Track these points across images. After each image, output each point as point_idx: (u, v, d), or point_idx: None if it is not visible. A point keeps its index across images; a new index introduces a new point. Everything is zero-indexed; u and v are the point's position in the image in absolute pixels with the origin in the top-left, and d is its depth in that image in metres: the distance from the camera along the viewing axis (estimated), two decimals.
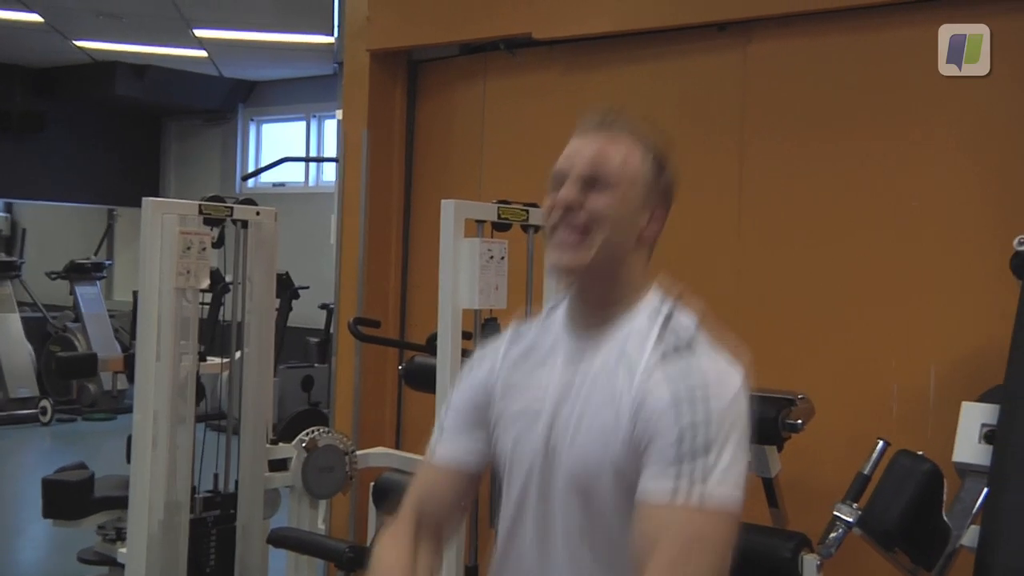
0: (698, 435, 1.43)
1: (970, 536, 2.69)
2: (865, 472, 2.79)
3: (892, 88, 3.40)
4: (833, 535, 2.76)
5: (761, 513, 3.22)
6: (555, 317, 1.69)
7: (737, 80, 3.73)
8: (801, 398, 3.13)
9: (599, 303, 1.61)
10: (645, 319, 1.58)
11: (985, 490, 2.68)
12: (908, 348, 3.34)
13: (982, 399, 2.82)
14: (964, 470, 2.77)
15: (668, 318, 1.57)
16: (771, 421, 3.02)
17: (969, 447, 2.75)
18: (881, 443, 2.81)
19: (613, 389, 1.53)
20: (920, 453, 2.77)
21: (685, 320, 1.57)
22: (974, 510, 2.70)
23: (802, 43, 3.59)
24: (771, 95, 3.68)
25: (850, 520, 2.73)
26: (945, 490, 2.74)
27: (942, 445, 2.84)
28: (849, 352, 3.46)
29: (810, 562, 2.87)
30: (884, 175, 3.43)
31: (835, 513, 2.76)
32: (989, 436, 2.72)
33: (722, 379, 1.49)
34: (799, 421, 3.05)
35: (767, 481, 3.18)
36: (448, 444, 1.74)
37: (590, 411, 1.54)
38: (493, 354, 1.74)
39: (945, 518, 2.72)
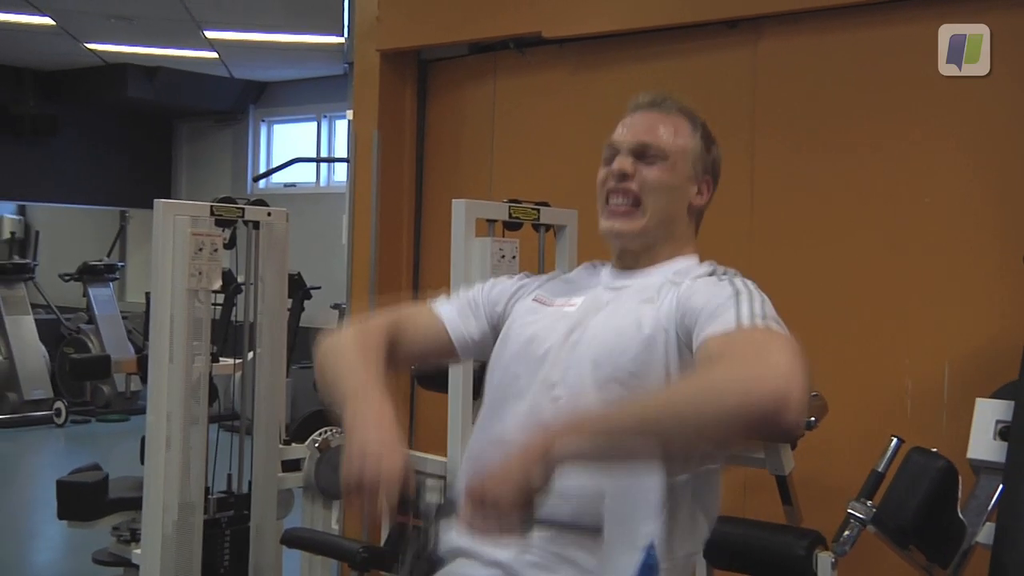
0: (753, 297, 1.50)
1: (985, 533, 2.68)
2: (879, 469, 2.78)
3: (905, 85, 3.38)
4: (847, 533, 2.75)
5: (775, 511, 3.21)
6: (600, 268, 1.77)
7: (747, 78, 3.72)
8: (814, 396, 3.12)
9: (647, 257, 1.70)
10: (690, 264, 1.69)
11: (1000, 487, 2.67)
12: (922, 345, 3.33)
13: (996, 395, 2.81)
14: (979, 467, 2.76)
15: (716, 268, 1.67)
16: None
17: (984, 444, 2.74)
18: (895, 440, 2.80)
19: (654, 294, 1.60)
20: (934, 450, 2.76)
21: (732, 270, 1.66)
22: (989, 507, 2.69)
23: (813, 40, 3.58)
24: (782, 93, 3.67)
25: (864, 518, 2.72)
26: (960, 487, 2.73)
27: (956, 442, 2.83)
28: (862, 349, 3.44)
29: (824, 560, 2.86)
30: (896, 173, 3.41)
31: (849, 511, 2.75)
32: (1004, 432, 2.71)
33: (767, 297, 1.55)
34: (812, 419, 3.04)
35: (781, 479, 3.17)
36: (451, 310, 1.80)
37: (623, 310, 1.60)
38: (532, 278, 1.82)
39: (960, 515, 2.71)
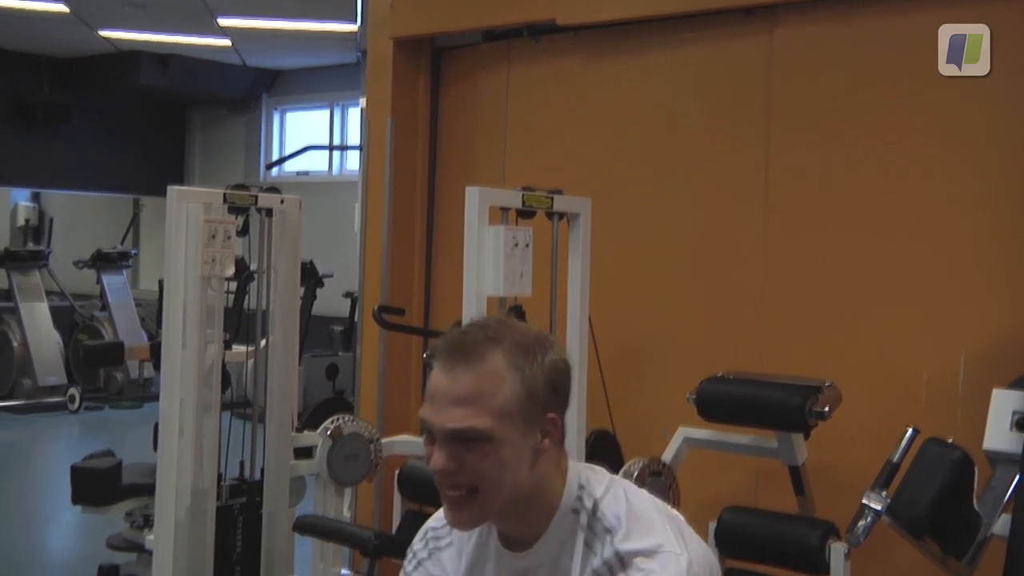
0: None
1: (1001, 525, 2.67)
2: (894, 460, 2.76)
3: (923, 74, 3.35)
4: (862, 523, 2.74)
5: (788, 501, 3.20)
6: (485, 548, 1.56)
7: (763, 66, 3.69)
8: (828, 385, 3.11)
9: (520, 527, 1.50)
10: (568, 531, 1.48)
11: (1016, 478, 2.66)
12: (937, 335, 3.31)
13: (1013, 386, 2.80)
14: (995, 458, 2.74)
15: (592, 522, 1.47)
16: (798, 409, 3.00)
17: (1000, 434, 2.73)
18: (910, 431, 2.79)
19: None
20: (950, 441, 2.75)
21: (611, 517, 1.46)
22: (1005, 498, 2.68)
23: (830, 28, 3.56)
24: (798, 81, 3.64)
25: (879, 508, 2.71)
26: (976, 478, 2.71)
27: (972, 432, 2.81)
28: (878, 339, 3.43)
29: (838, 550, 2.86)
30: (913, 163, 3.39)
31: (864, 501, 2.74)
32: (1020, 423, 2.69)
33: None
34: (826, 408, 3.03)
35: (794, 469, 3.16)
36: None
37: None
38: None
39: (976, 506, 2.70)
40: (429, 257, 4.68)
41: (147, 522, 4.36)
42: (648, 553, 1.41)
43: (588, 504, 1.47)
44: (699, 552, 1.44)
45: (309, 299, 7.81)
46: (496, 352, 1.43)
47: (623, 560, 1.42)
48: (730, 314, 3.69)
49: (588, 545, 1.46)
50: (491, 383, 1.42)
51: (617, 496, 1.47)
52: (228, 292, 3.90)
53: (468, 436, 1.41)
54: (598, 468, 1.55)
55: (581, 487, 1.49)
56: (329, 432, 3.80)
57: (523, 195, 3.35)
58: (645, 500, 1.49)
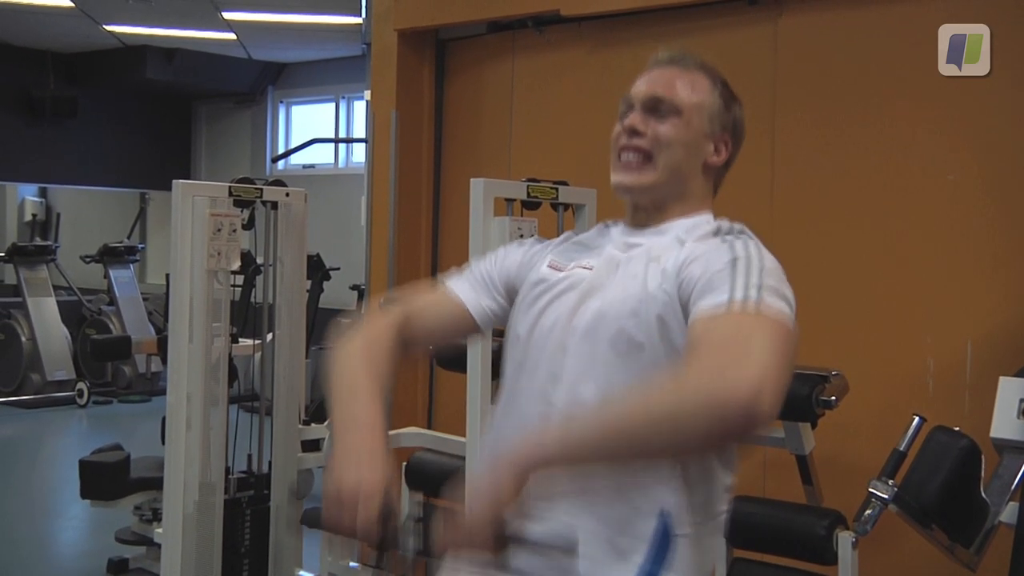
0: (751, 263, 1.45)
1: (1009, 513, 2.66)
2: (901, 448, 2.76)
3: (926, 62, 3.34)
4: (869, 512, 2.74)
5: (795, 490, 3.20)
6: (611, 228, 1.73)
7: (768, 55, 3.68)
8: (835, 374, 3.10)
9: (659, 214, 1.65)
10: (700, 221, 1.63)
11: None
12: (944, 323, 3.30)
13: (1020, 374, 2.79)
14: (1002, 446, 2.73)
15: (721, 226, 1.62)
16: (805, 398, 3.00)
17: (1007, 422, 2.72)
18: (917, 419, 2.78)
19: (661, 255, 1.56)
20: (957, 429, 2.74)
21: (738, 226, 1.61)
22: (1013, 486, 2.67)
23: (834, 17, 3.55)
24: (803, 70, 3.63)
25: (886, 497, 2.70)
26: (983, 466, 2.71)
27: (979, 421, 2.81)
28: (884, 327, 3.42)
29: (845, 539, 2.85)
30: (918, 150, 3.38)
31: (871, 490, 2.74)
32: None
33: (771, 256, 1.51)
34: (833, 398, 3.02)
35: (801, 458, 3.16)
36: (466, 286, 1.77)
37: (630, 273, 1.57)
38: (543, 243, 1.78)
39: (983, 494, 2.69)
40: (435, 249, 4.68)
41: (155, 516, 4.37)
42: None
43: (726, 227, 1.60)
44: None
45: (316, 292, 7.82)
46: (703, 72, 1.69)
47: (743, 233, 1.57)
48: None
49: (715, 231, 1.59)
50: (696, 82, 1.66)
51: (753, 239, 1.56)
52: (235, 286, 3.91)
53: (664, 105, 1.63)
54: None
55: (723, 220, 1.64)
56: None
57: (528, 186, 3.35)
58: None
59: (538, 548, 1.41)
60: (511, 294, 1.72)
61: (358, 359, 1.65)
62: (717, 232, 1.57)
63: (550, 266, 1.68)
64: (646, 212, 1.66)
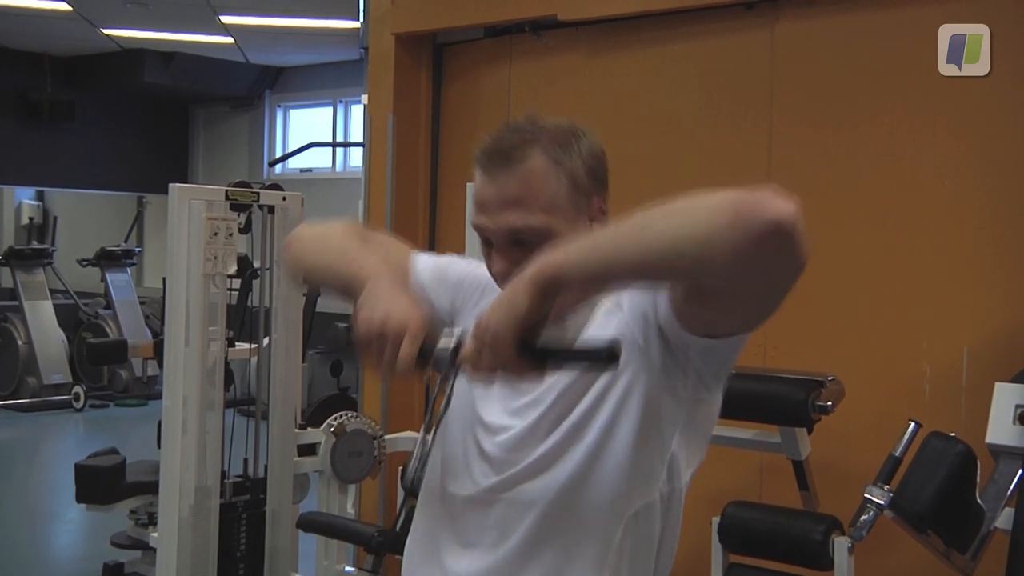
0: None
1: (1004, 518, 2.67)
2: (897, 454, 2.76)
3: (925, 63, 3.35)
4: (864, 518, 2.74)
5: (791, 496, 3.20)
6: None
7: (765, 60, 3.69)
8: (831, 379, 3.10)
9: None
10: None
11: (1020, 471, 2.65)
12: (940, 328, 3.31)
13: (1016, 380, 2.79)
14: (998, 451, 2.74)
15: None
16: (801, 403, 3.00)
17: (1003, 428, 2.72)
18: (913, 424, 2.79)
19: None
20: (953, 435, 2.74)
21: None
22: (1009, 492, 2.68)
23: (832, 20, 3.55)
24: (800, 75, 3.64)
25: (882, 502, 2.71)
26: (979, 472, 2.71)
27: (975, 426, 2.81)
28: (880, 333, 3.42)
29: (841, 545, 2.85)
30: (916, 156, 3.39)
31: (866, 495, 2.74)
32: (1023, 417, 2.69)
33: None
34: (829, 403, 3.03)
35: (797, 463, 3.16)
36: (426, 268, 1.68)
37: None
38: (478, 285, 1.63)
39: (979, 500, 2.69)
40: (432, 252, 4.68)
41: (151, 520, 4.37)
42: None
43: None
44: None
45: (313, 296, 7.81)
46: (535, 151, 1.46)
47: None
48: None
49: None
50: (536, 181, 1.45)
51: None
52: (232, 290, 3.91)
53: (524, 235, 1.44)
54: None
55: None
56: (333, 429, 3.80)
57: None
58: None
59: (573, 361, 1.34)
60: (451, 310, 1.64)
61: (340, 229, 1.61)
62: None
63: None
64: None
